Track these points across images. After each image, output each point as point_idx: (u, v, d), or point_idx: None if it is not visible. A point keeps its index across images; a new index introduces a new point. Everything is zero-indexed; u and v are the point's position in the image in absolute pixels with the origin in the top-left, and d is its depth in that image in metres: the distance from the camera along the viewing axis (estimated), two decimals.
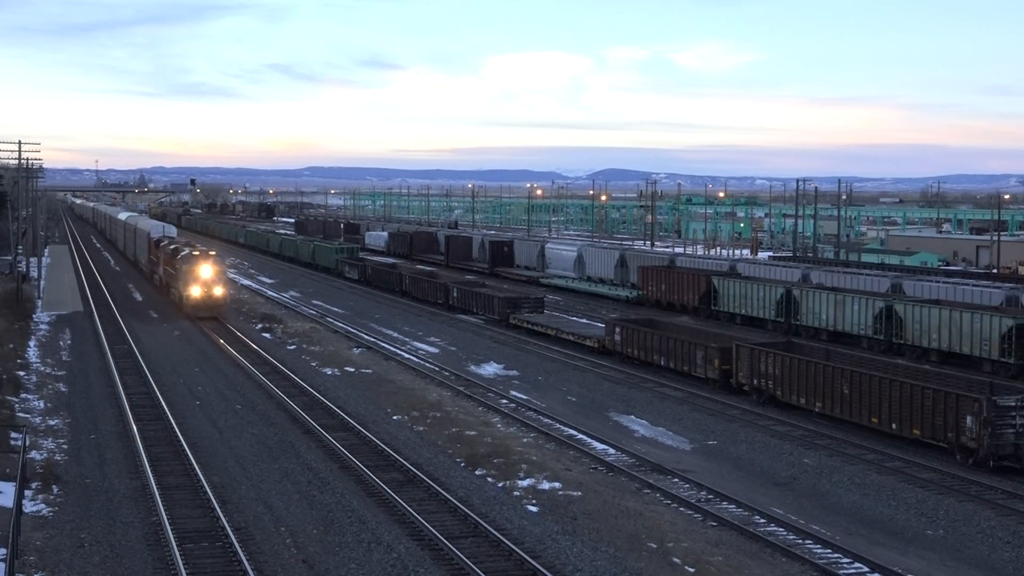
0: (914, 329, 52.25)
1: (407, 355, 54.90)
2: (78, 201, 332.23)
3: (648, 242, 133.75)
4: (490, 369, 51.11)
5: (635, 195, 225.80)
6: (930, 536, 27.80)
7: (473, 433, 36.29)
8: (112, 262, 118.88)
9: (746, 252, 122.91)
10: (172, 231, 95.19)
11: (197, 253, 69.15)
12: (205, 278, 66.34)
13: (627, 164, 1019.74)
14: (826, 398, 38.53)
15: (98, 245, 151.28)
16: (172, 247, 76.28)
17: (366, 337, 60.95)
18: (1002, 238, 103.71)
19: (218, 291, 66.48)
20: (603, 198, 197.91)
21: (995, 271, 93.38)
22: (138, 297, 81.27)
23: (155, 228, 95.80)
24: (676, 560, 24.76)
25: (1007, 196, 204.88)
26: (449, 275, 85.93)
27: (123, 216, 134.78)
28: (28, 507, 27.95)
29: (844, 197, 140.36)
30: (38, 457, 33.15)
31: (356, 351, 55.31)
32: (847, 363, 40.28)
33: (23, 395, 42.41)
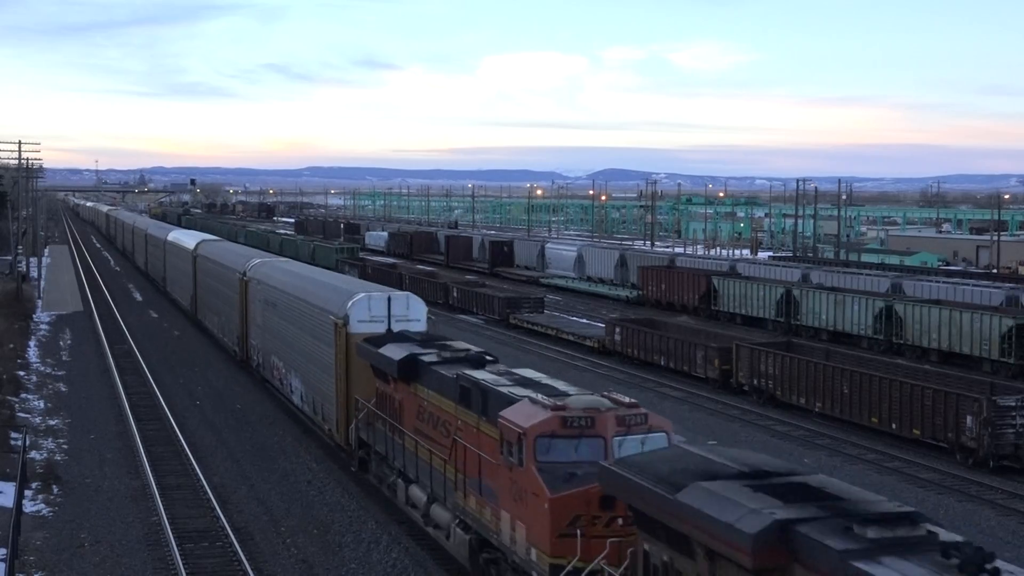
0: (914, 329, 52.24)
1: None
2: (88, 204, 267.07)
3: (648, 242, 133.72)
4: None
5: (635, 195, 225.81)
6: None
7: None
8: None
9: (746, 252, 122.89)
10: (417, 309, 31.66)
11: None
12: None
13: (627, 164, 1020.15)
14: (826, 398, 38.52)
15: (97, 244, 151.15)
16: None
17: None
18: (1002, 238, 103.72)
19: None
20: (603, 198, 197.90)
21: (995, 271, 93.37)
22: None
23: (361, 304, 31.12)
24: None
25: (1007, 196, 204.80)
26: (449, 275, 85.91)
27: (191, 242, 64.51)
28: (28, 507, 27.92)
29: (844, 197, 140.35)
30: (38, 457, 33.13)
31: None
32: (847, 363, 40.26)
33: (23, 395, 42.40)
